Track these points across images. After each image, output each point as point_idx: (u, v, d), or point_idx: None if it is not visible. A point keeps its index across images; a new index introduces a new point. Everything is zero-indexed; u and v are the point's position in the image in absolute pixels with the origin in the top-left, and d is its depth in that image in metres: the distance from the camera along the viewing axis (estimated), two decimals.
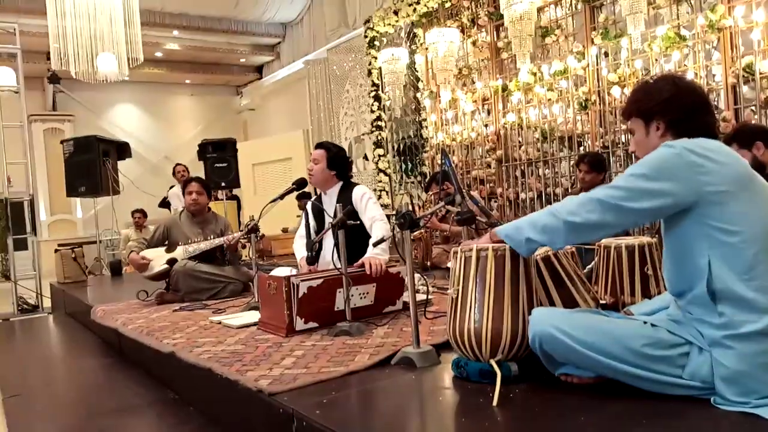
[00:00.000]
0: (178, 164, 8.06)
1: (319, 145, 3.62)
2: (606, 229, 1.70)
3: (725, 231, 1.54)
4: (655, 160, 1.62)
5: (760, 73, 4.50)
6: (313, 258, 2.90)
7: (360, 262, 2.96)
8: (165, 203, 8.35)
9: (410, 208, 7.01)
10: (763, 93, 4.49)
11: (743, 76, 4.60)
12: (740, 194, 1.55)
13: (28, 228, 6.83)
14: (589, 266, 2.62)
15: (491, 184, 6.84)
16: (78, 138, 7.62)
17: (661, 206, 1.60)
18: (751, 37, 4.54)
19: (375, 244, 2.73)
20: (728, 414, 1.48)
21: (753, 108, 4.61)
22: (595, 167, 4.50)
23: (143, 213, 8.95)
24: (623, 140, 5.54)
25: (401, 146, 8.30)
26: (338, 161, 3.53)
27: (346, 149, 9.43)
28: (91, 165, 7.16)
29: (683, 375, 1.58)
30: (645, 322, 1.64)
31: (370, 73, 8.11)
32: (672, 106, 1.71)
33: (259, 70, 13.93)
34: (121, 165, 7.96)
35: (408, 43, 7.85)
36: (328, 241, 3.41)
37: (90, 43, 7.12)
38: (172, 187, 8.10)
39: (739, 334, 1.51)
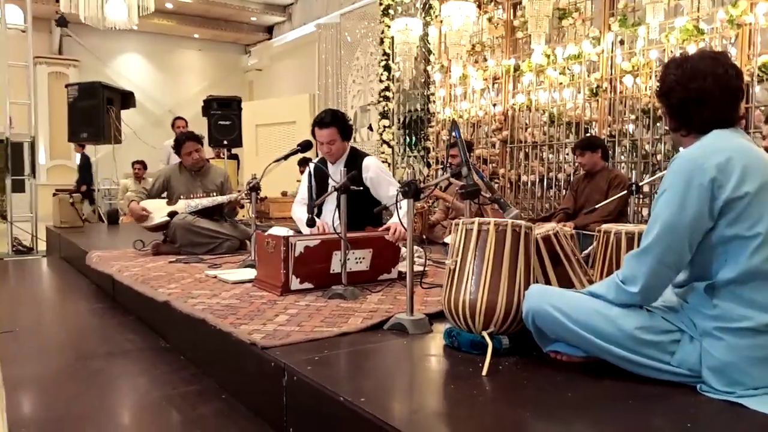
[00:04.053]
0: (178, 118, 7.76)
1: (323, 125, 3.34)
2: (673, 268, 1.59)
3: (742, 237, 1.51)
4: (668, 191, 1.56)
5: None
6: (312, 220, 2.89)
7: (386, 225, 3.02)
8: None
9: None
10: None
11: (758, 75, 4.56)
12: (759, 195, 1.50)
13: (27, 170, 6.81)
14: (587, 251, 2.63)
15: (494, 165, 6.82)
16: (83, 83, 7.54)
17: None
18: None
19: (377, 212, 2.74)
20: (712, 401, 1.50)
21: (762, 108, 4.58)
22: (588, 147, 4.50)
23: (143, 165, 8.91)
24: (630, 131, 5.52)
25: (407, 119, 8.24)
26: (346, 128, 3.45)
27: (352, 118, 9.39)
28: (95, 111, 7.10)
29: (672, 361, 1.59)
30: (641, 307, 1.65)
31: (382, 41, 8.01)
32: (671, 98, 1.64)
33: (269, 30, 13.76)
34: (124, 115, 7.90)
35: (423, 14, 7.74)
36: (329, 206, 3.41)
37: None
38: None
39: (731, 327, 1.51)
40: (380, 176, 3.41)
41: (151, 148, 8.74)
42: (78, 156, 9.59)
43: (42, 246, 6.63)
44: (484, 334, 1.85)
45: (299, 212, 3.56)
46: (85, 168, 9.56)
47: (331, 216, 3.25)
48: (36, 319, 3.45)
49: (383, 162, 8.06)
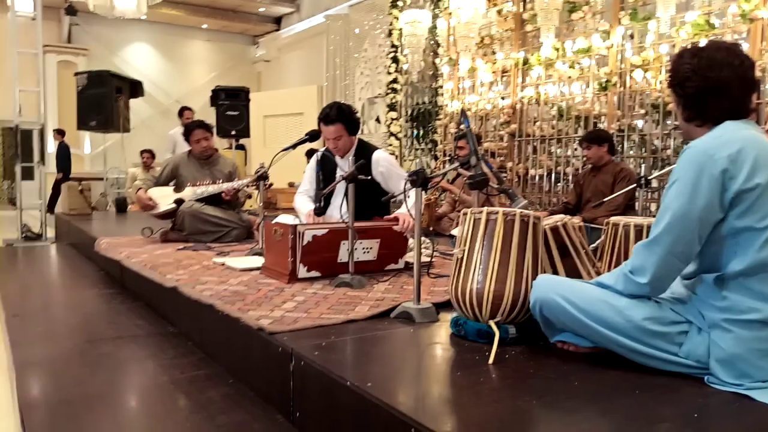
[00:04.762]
0: (186, 108, 7.56)
1: (329, 121, 3.26)
2: (682, 259, 1.58)
3: (752, 229, 1.50)
4: (678, 181, 1.55)
5: None
6: (321, 209, 2.89)
7: (394, 215, 3.01)
8: None
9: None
10: None
11: None
12: None
13: (36, 158, 6.84)
14: (594, 244, 2.62)
15: (502, 158, 6.81)
16: (92, 72, 7.56)
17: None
18: None
19: (385, 201, 2.73)
20: (720, 393, 1.50)
21: None
22: (594, 140, 4.49)
23: (151, 153, 8.91)
24: (639, 126, 5.50)
25: (414, 111, 8.23)
26: (353, 123, 3.37)
27: (359, 110, 9.38)
28: (104, 100, 7.13)
29: (679, 353, 1.59)
30: (649, 298, 1.65)
31: (390, 33, 7.99)
32: (687, 87, 1.62)
33: (277, 21, 13.75)
34: (133, 104, 7.91)
35: (432, 6, 7.71)
36: (336, 199, 3.37)
37: None
38: None
39: (740, 319, 1.51)
40: (391, 170, 3.39)
41: (159, 137, 8.76)
42: (56, 144, 9.81)
43: (51, 233, 6.67)
44: (491, 323, 1.85)
45: (300, 203, 3.53)
46: (63, 157, 9.63)
47: (338, 207, 3.24)
48: (45, 303, 3.48)
49: (391, 155, 8.05)
